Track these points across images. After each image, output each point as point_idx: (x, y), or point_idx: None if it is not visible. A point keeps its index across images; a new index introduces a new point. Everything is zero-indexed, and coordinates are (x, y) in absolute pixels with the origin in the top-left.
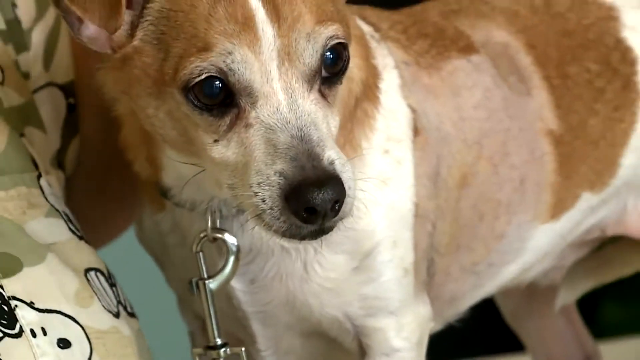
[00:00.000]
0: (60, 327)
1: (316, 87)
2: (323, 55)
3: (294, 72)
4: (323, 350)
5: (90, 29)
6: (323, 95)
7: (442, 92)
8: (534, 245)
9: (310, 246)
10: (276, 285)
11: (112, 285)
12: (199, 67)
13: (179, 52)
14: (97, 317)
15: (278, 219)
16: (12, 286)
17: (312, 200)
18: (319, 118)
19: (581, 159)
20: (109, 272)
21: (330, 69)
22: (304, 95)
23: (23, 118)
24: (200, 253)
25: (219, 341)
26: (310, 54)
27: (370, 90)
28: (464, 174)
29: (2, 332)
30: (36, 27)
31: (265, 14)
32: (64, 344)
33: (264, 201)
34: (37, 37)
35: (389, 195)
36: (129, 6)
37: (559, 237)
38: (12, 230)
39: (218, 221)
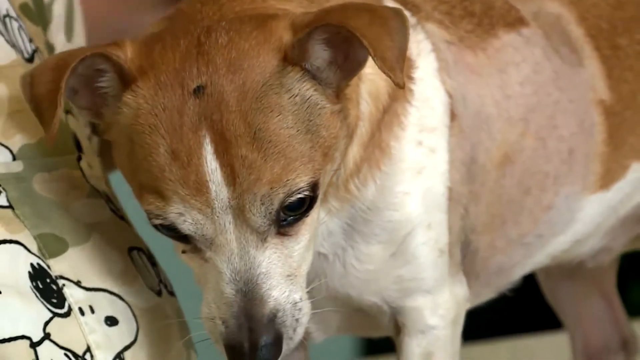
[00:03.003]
0: (107, 305)
1: (273, 232)
2: (279, 211)
3: (247, 226)
4: (367, 325)
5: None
6: (283, 233)
7: (487, 70)
8: (585, 216)
9: (347, 245)
10: (316, 285)
11: (154, 264)
12: (154, 213)
13: (141, 181)
14: (141, 295)
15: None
16: (59, 266)
17: None
18: (273, 263)
19: (630, 129)
20: (149, 252)
21: (293, 213)
22: (257, 245)
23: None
24: None
25: None
26: (262, 215)
27: (399, 91)
28: (505, 153)
29: (52, 312)
30: (56, 1)
31: (221, 177)
32: (111, 321)
33: (211, 332)
34: (58, 10)
35: (424, 182)
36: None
37: (609, 208)
38: (57, 211)
39: None
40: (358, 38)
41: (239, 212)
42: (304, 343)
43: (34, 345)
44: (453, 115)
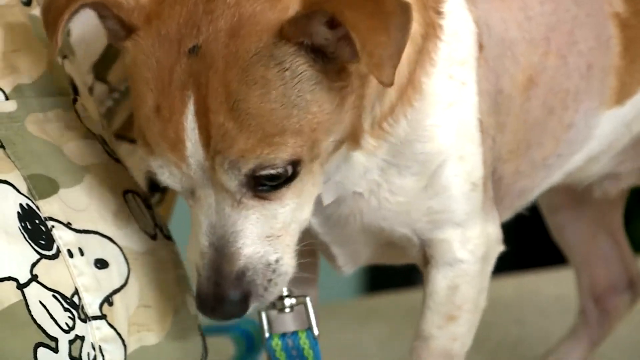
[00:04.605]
0: (97, 248)
1: (249, 195)
2: (250, 178)
3: (222, 186)
4: (394, 255)
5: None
6: (262, 197)
7: None
8: (600, 133)
9: (382, 180)
10: (351, 221)
11: (149, 207)
12: (142, 158)
13: (137, 120)
14: (134, 238)
15: None
16: (48, 207)
17: (207, 315)
18: (250, 223)
19: None
20: (145, 195)
21: (270, 182)
22: (232, 205)
23: None
24: None
25: (284, 291)
26: (231, 179)
27: (430, 27)
28: (529, 76)
29: (39, 253)
30: None
31: (198, 137)
32: (101, 264)
33: (190, 275)
34: None
35: (455, 115)
36: None
37: (623, 124)
38: (49, 151)
39: None
40: (348, 29)
41: (212, 173)
42: (314, 281)
43: (21, 286)
44: (480, 47)
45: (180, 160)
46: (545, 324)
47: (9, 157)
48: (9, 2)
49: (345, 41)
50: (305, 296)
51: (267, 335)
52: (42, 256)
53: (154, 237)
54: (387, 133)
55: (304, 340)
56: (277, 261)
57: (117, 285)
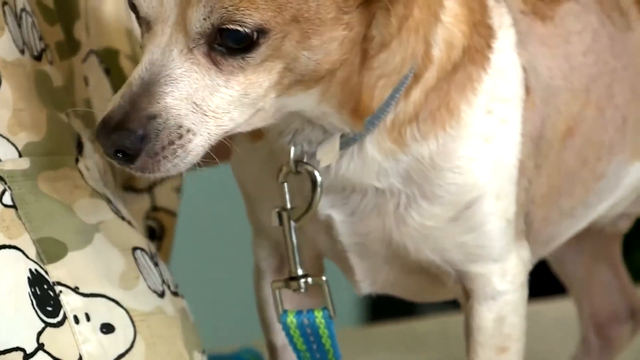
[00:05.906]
0: (104, 312)
1: (202, 49)
2: (215, 28)
3: (184, 28)
4: (423, 285)
5: None
6: (214, 60)
7: (554, 41)
8: (627, 182)
9: (405, 191)
10: (374, 218)
11: (156, 264)
12: None
13: None
14: (141, 298)
15: None
16: (57, 272)
17: (98, 138)
18: (186, 77)
19: None
20: (152, 252)
21: (230, 44)
22: (182, 50)
23: (66, 99)
24: (285, 184)
25: (300, 272)
26: (197, 20)
27: (477, 53)
28: (569, 126)
29: (45, 322)
30: None
31: None
32: (107, 329)
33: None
34: (83, 4)
35: (493, 151)
36: None
37: None
38: (60, 211)
39: (305, 156)
40: None
41: (184, 9)
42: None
43: (27, 357)
44: (528, 90)
45: None
46: (546, 350)
47: (20, 219)
48: (20, 59)
49: None
50: (321, 277)
51: (281, 311)
52: (47, 324)
53: (161, 294)
54: (407, 146)
55: (320, 320)
56: (189, 131)
57: (122, 350)
